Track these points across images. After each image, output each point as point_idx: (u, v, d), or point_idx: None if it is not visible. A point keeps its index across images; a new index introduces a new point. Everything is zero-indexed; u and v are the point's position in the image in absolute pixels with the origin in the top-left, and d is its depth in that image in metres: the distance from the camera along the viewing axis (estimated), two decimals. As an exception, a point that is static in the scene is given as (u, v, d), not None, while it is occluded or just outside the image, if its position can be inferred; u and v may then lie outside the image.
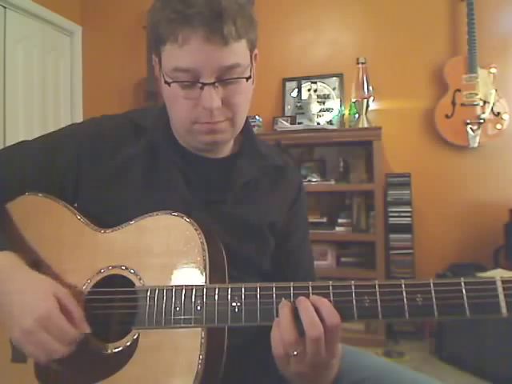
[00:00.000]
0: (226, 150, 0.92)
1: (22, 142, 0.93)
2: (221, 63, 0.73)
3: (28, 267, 0.76)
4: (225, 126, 0.80)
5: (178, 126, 0.84)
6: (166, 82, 0.77)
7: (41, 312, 0.69)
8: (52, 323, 0.69)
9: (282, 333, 0.64)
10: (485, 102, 2.76)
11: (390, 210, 2.81)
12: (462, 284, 0.63)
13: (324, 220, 2.93)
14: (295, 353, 0.64)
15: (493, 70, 2.76)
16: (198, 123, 0.79)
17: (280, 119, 3.07)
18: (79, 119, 3.55)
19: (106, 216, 0.83)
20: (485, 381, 2.16)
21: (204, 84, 0.74)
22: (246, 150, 0.93)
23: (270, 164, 0.95)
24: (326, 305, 0.65)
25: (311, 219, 2.83)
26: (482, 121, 2.75)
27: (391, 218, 2.81)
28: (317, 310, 0.64)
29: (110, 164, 0.87)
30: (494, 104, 2.76)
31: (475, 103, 2.77)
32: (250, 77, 0.79)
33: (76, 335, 0.71)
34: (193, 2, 0.70)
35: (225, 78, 0.75)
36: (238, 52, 0.75)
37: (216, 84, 0.75)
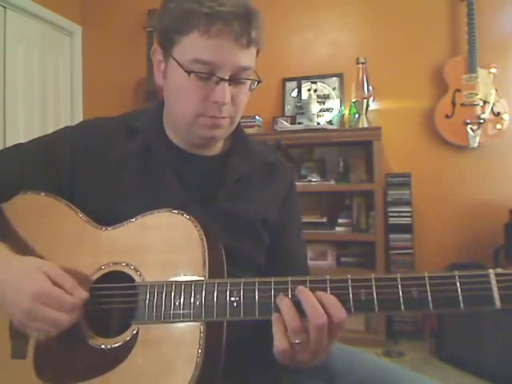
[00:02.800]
0: (218, 148, 0.94)
1: (17, 144, 0.94)
2: (239, 63, 0.78)
3: (13, 253, 0.78)
4: (226, 122, 0.84)
5: (180, 119, 0.85)
6: (186, 71, 0.78)
7: (34, 289, 0.70)
8: (48, 296, 0.71)
9: (286, 320, 0.65)
10: (485, 102, 2.76)
11: (390, 210, 2.81)
12: (457, 277, 0.64)
13: (324, 220, 2.92)
14: (297, 341, 0.65)
15: (493, 70, 2.76)
16: (204, 116, 0.81)
17: (280, 119, 3.07)
18: (79, 119, 3.55)
19: (101, 215, 0.83)
20: (485, 381, 2.15)
21: (221, 79, 0.77)
22: (237, 148, 0.95)
23: (262, 161, 0.96)
24: (332, 301, 0.66)
25: (311, 219, 2.84)
26: (482, 121, 2.75)
27: (391, 218, 2.81)
28: (323, 307, 0.65)
29: (104, 165, 0.88)
30: (494, 104, 2.76)
31: (475, 103, 2.77)
32: (260, 80, 0.84)
33: (75, 301, 0.72)
34: (224, 1, 0.74)
35: (238, 77, 0.80)
36: (252, 56, 0.81)
37: (230, 81, 0.79)
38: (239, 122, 0.94)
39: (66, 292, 0.73)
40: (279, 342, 0.66)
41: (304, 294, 0.66)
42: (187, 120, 0.83)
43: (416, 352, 2.55)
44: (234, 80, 0.79)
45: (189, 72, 0.78)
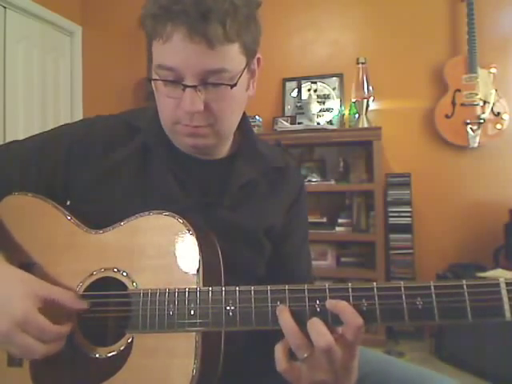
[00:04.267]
0: (223, 152, 0.88)
1: (12, 141, 0.92)
2: (205, 67, 0.70)
3: (8, 263, 0.75)
4: (206, 131, 0.77)
5: (163, 124, 0.82)
6: (149, 79, 0.76)
7: (17, 315, 0.67)
8: (29, 325, 0.67)
9: (287, 337, 0.62)
10: (485, 102, 2.76)
11: (390, 210, 2.81)
12: (464, 287, 0.60)
13: (324, 220, 2.93)
14: (305, 355, 0.62)
15: (493, 70, 2.76)
16: (180, 124, 0.76)
17: (280, 119, 3.07)
18: (79, 119, 3.55)
19: (97, 216, 0.80)
20: (485, 381, 2.16)
21: (186, 86, 0.71)
22: (244, 151, 0.89)
23: (270, 165, 0.91)
24: (347, 308, 0.62)
25: (311, 219, 2.82)
26: (481, 121, 2.74)
27: (391, 218, 2.81)
28: (338, 315, 0.62)
29: (101, 165, 0.84)
30: (494, 104, 2.76)
31: (475, 103, 2.77)
32: (234, 84, 0.73)
33: (57, 332, 0.69)
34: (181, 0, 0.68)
35: (208, 81, 0.71)
36: (225, 56, 0.70)
37: (198, 87, 0.71)
38: (248, 122, 0.90)
39: (62, 312, 0.70)
40: (279, 363, 0.63)
41: (313, 324, 0.62)
42: (167, 127, 0.80)
43: (416, 352, 2.55)
44: (204, 85, 0.71)
45: (150, 79, 0.75)
